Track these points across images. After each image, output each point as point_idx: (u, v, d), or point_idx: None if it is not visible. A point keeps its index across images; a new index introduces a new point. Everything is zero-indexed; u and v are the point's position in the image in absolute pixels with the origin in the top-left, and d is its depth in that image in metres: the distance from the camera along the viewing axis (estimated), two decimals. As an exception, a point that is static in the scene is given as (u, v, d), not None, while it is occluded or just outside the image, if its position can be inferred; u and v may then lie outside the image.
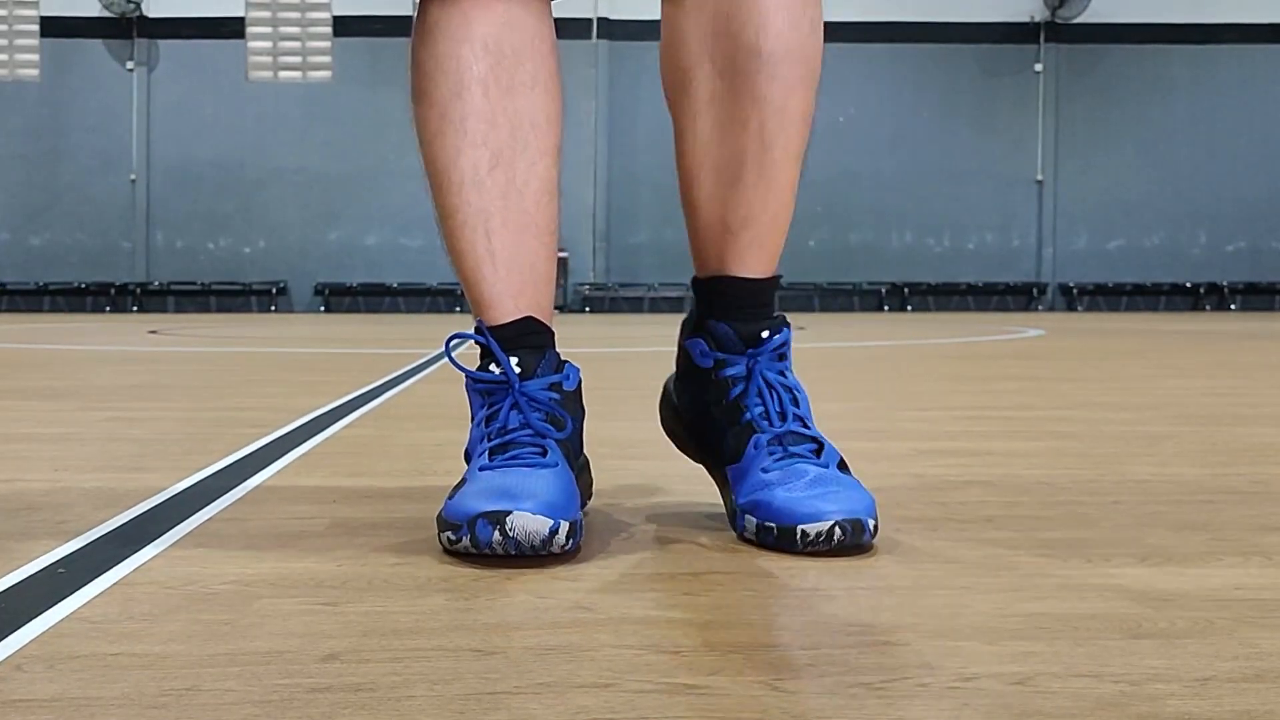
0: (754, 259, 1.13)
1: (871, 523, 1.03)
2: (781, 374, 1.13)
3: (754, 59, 1.09)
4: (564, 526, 0.98)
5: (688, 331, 1.19)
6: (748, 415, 1.11)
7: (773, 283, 1.15)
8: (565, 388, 1.11)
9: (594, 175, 17.29)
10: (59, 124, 17.29)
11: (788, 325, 1.14)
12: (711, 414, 1.15)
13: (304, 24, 17.33)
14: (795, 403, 1.11)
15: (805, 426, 1.11)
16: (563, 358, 1.14)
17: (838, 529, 1.01)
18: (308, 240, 17.46)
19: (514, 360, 1.09)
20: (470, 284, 1.13)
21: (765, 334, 1.12)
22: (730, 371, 1.13)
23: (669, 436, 1.26)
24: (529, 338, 1.11)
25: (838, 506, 1.02)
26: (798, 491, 1.05)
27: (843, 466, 1.10)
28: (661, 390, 1.27)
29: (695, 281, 1.18)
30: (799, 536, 1.02)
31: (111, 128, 17.26)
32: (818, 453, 1.10)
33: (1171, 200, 17.84)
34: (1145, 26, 17.73)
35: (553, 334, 1.15)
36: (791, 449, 1.09)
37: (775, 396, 1.11)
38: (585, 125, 16.93)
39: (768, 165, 1.10)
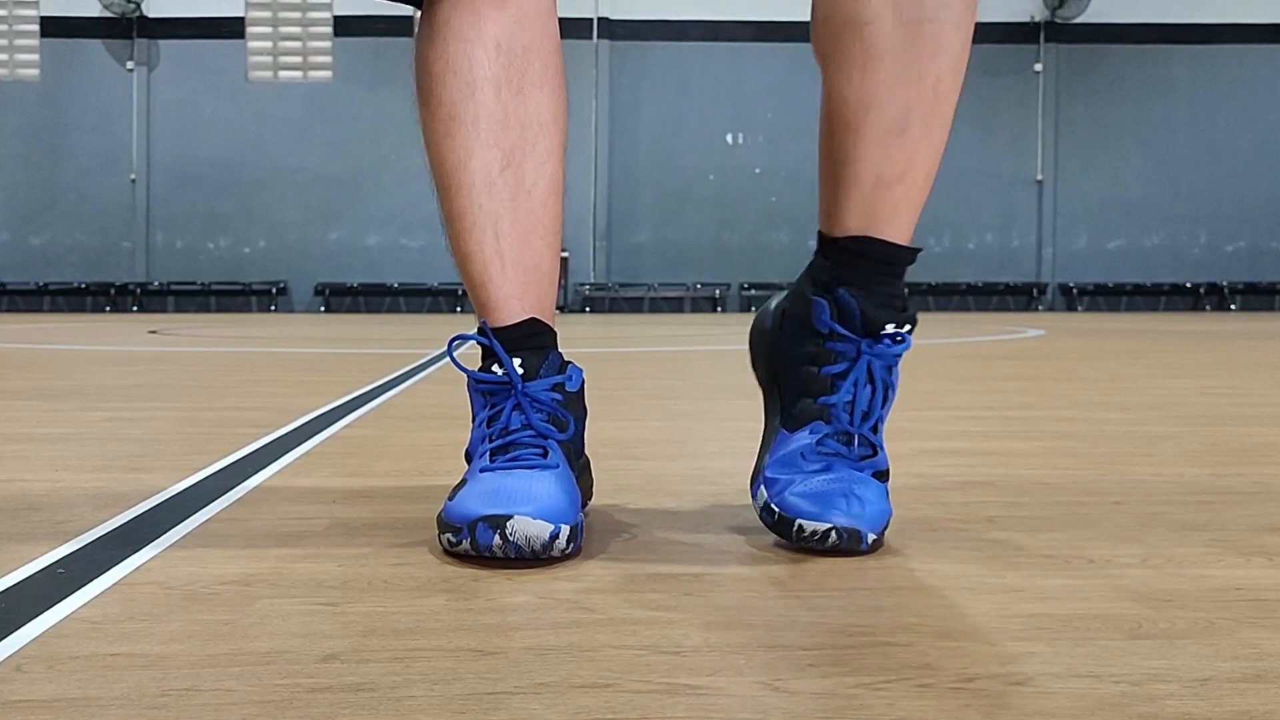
0: (903, 217, 1.09)
1: (872, 536, 1.02)
2: (889, 369, 1.09)
3: (944, 9, 1.05)
4: (564, 530, 0.97)
5: (813, 287, 1.12)
6: (832, 399, 1.08)
7: (910, 255, 1.10)
8: (568, 389, 1.11)
9: (594, 175, 17.29)
10: (59, 124, 17.30)
11: (913, 327, 1.09)
12: (801, 369, 1.11)
13: (304, 24, 17.34)
14: (884, 404, 1.09)
15: (874, 431, 1.09)
16: (565, 358, 1.13)
17: (834, 534, 1.01)
18: (308, 240, 17.47)
19: (517, 361, 1.09)
20: (476, 286, 1.12)
21: (890, 328, 1.07)
22: (839, 347, 1.08)
23: (750, 347, 1.24)
24: (533, 339, 1.11)
25: (844, 513, 1.02)
26: (816, 486, 1.04)
27: (883, 476, 1.08)
28: (769, 304, 1.22)
29: (829, 242, 1.12)
30: (795, 530, 1.02)
31: (111, 128, 17.27)
32: (868, 457, 1.08)
33: (1171, 200, 17.85)
34: (1145, 26, 17.74)
35: (555, 334, 1.15)
36: (843, 448, 1.08)
37: (869, 392, 1.08)
38: (586, 125, 16.94)
39: (935, 118, 1.07)
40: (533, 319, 1.12)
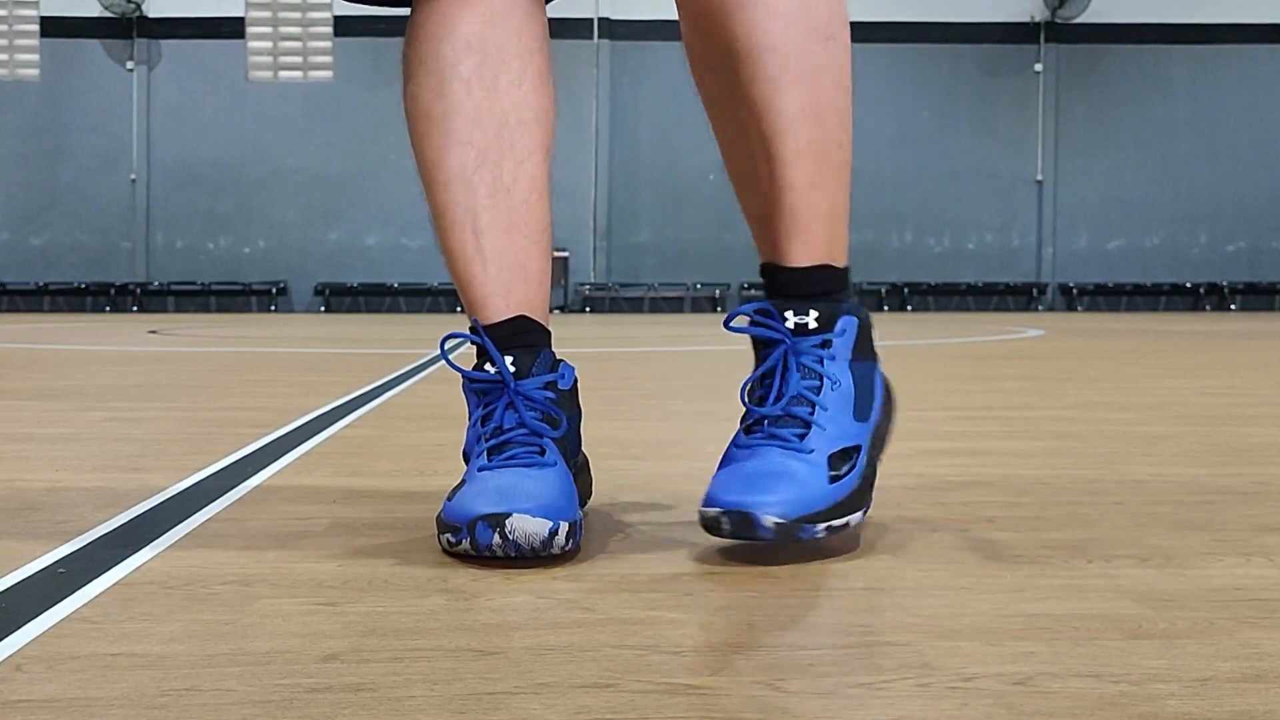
0: (792, 249, 1.08)
1: (770, 520, 0.96)
2: (820, 361, 1.06)
3: (731, 59, 1.05)
4: (563, 528, 0.97)
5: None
6: (746, 383, 1.08)
7: (819, 271, 1.08)
8: (560, 386, 1.10)
9: (594, 175, 17.30)
10: (59, 124, 17.31)
11: (848, 315, 1.07)
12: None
13: (305, 24, 17.34)
14: (817, 390, 1.05)
15: (810, 410, 1.04)
16: (558, 357, 1.13)
17: (724, 519, 0.97)
18: (308, 240, 17.47)
19: (509, 359, 1.08)
20: (461, 283, 1.13)
21: (813, 324, 1.06)
22: (765, 351, 1.08)
23: None
24: (523, 336, 1.11)
25: (737, 494, 0.98)
26: (726, 473, 1.02)
27: (845, 455, 1.03)
28: None
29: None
30: (700, 522, 1.00)
31: (111, 128, 17.27)
32: (803, 435, 1.03)
33: (1171, 200, 17.85)
34: (1145, 26, 17.74)
35: (548, 333, 1.14)
36: (775, 430, 1.04)
37: (789, 380, 1.05)
38: (586, 125, 16.94)
39: (777, 166, 1.07)
40: (522, 317, 1.11)
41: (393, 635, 0.79)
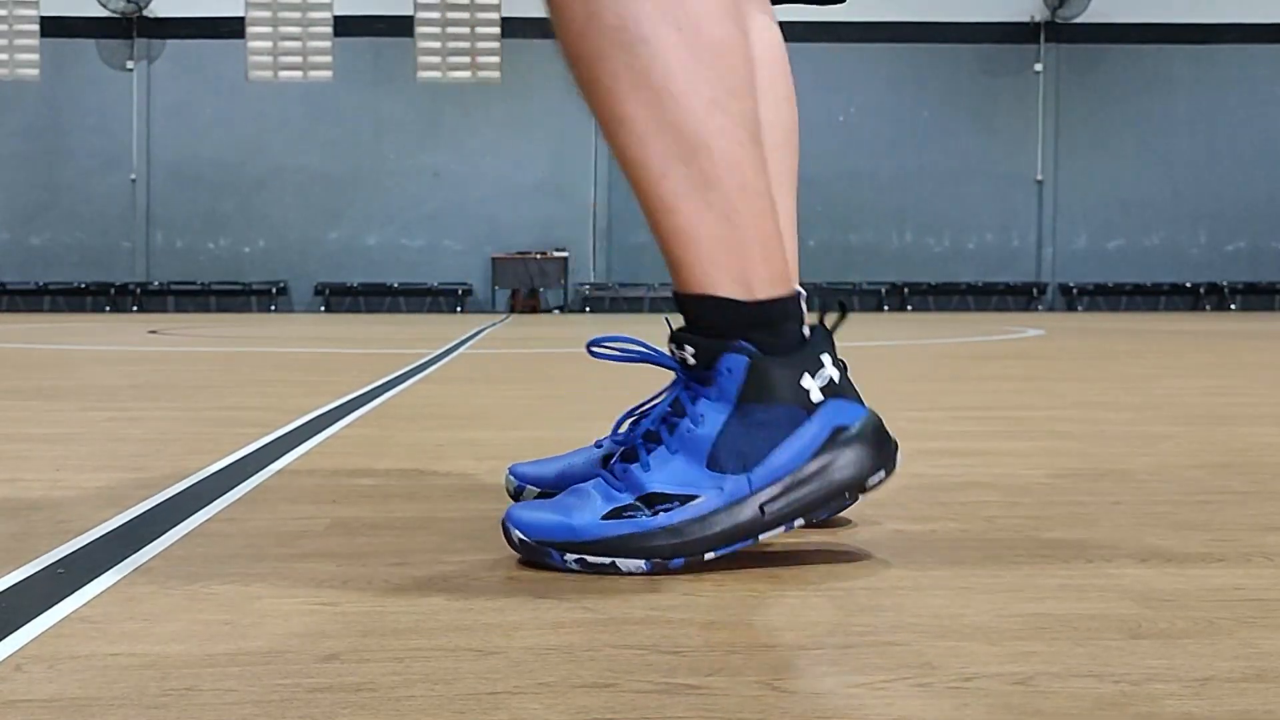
0: (672, 272, 1.03)
1: (516, 535, 0.97)
2: (694, 398, 1.00)
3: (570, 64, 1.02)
4: None
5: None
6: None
7: (695, 301, 1.00)
8: None
9: (594, 174, 17.30)
10: (59, 124, 17.30)
11: (733, 354, 0.98)
12: None
13: (305, 24, 17.34)
14: (672, 429, 1.00)
15: (651, 446, 1.00)
16: None
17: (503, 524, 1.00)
18: (308, 240, 17.47)
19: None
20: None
21: (690, 359, 1.01)
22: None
23: None
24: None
25: (515, 509, 1.00)
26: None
27: (654, 500, 0.97)
28: None
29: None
30: None
31: (111, 128, 17.27)
32: (625, 472, 1.00)
33: (1171, 200, 17.85)
34: (1145, 26, 17.74)
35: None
36: (618, 461, 1.02)
37: (655, 411, 1.03)
38: (586, 125, 16.94)
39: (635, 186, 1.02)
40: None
41: (393, 635, 0.79)
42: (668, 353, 1.03)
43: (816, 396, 0.99)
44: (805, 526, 1.01)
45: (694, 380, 1.00)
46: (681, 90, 0.96)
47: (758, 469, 0.98)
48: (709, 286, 0.98)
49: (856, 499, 1.01)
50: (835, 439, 0.99)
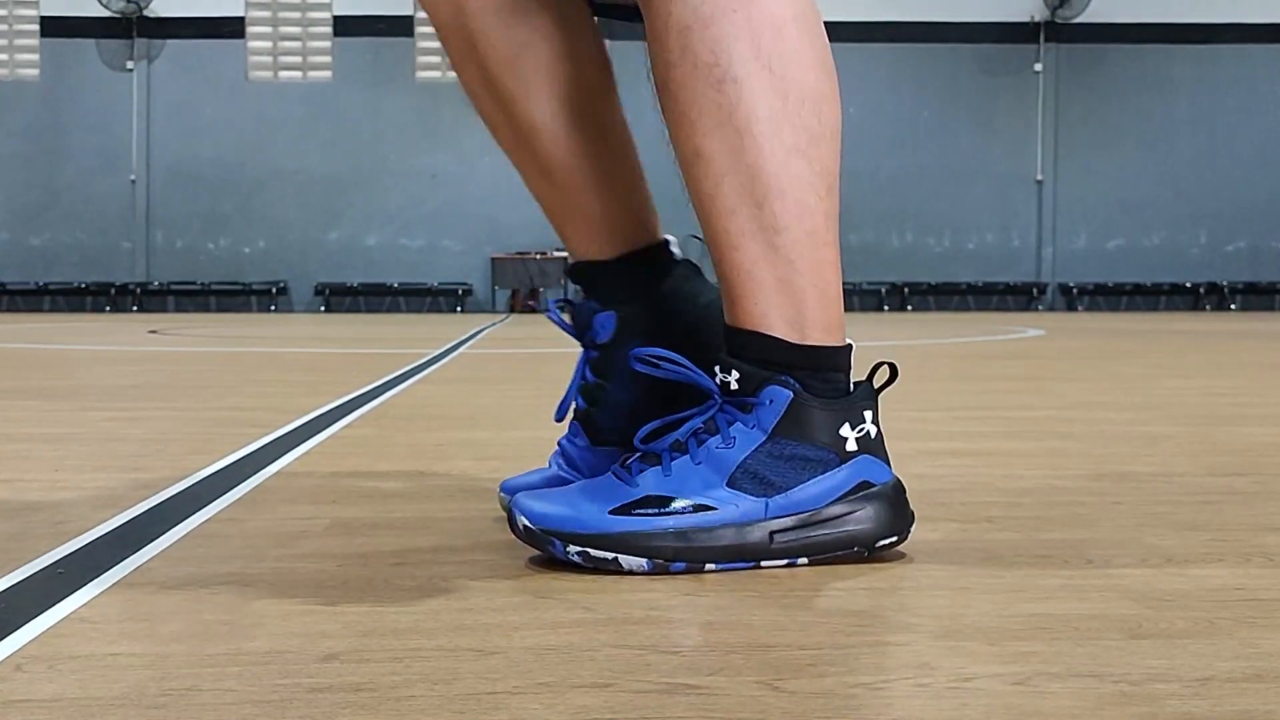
0: (728, 305, 1.05)
1: (521, 522, 0.97)
2: (731, 422, 1.01)
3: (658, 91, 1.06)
4: None
5: None
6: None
7: (744, 336, 1.03)
8: None
9: (594, 175, 17.28)
10: (59, 124, 17.29)
11: (778, 387, 0.99)
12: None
13: (304, 24, 17.33)
14: (701, 443, 1.00)
15: (675, 454, 1.00)
16: None
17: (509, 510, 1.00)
18: (308, 240, 17.46)
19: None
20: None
21: (735, 384, 1.01)
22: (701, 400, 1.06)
23: None
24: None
25: (524, 498, 1.00)
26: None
27: (658, 501, 0.97)
28: None
29: None
30: None
31: (111, 128, 17.26)
32: (642, 470, 1.00)
33: (1171, 200, 17.84)
34: (1145, 26, 17.73)
35: None
36: (634, 460, 1.02)
37: (690, 423, 1.02)
38: (585, 125, 16.93)
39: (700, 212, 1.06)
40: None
41: (393, 635, 0.79)
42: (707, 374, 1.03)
43: (852, 446, 1.01)
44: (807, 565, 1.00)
45: (731, 404, 1.01)
46: (764, 133, 0.97)
47: (777, 498, 0.99)
48: (762, 324, 1.00)
49: (863, 556, 1.01)
50: (860, 491, 1.00)
